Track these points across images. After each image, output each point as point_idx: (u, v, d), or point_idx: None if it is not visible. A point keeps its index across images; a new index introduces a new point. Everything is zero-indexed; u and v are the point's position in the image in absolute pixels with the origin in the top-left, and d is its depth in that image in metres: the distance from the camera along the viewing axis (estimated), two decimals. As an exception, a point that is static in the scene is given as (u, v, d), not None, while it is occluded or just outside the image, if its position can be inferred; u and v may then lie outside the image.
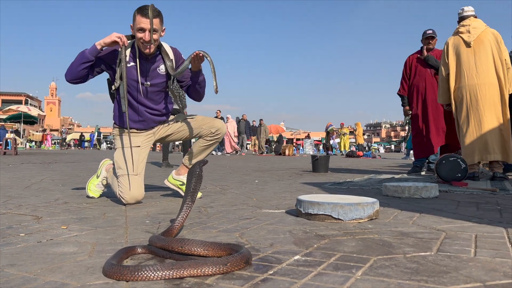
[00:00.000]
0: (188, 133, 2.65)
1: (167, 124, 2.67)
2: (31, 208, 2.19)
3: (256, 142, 18.63)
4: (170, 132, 2.67)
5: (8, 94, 76.80)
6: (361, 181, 3.88)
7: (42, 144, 31.03)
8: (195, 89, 2.55)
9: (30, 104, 78.23)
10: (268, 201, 2.48)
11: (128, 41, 2.40)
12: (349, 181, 3.88)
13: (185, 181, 2.67)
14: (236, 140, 16.53)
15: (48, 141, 29.52)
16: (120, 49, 2.33)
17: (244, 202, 2.44)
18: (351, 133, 21.09)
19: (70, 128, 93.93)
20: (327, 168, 5.79)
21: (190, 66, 2.44)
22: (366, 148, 18.82)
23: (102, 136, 38.30)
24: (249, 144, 18.81)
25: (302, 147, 32.51)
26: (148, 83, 2.48)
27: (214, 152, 15.03)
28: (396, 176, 4.49)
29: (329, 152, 19.11)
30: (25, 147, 26.43)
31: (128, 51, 2.39)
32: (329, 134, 19.41)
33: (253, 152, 18.38)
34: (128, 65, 2.40)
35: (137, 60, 2.42)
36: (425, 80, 5.01)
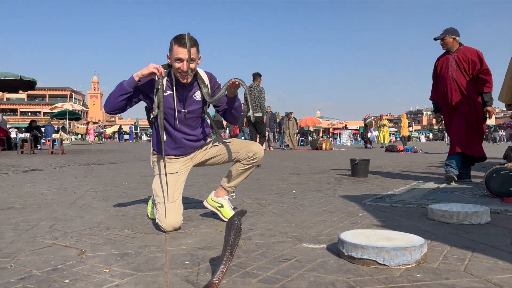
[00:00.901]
0: (226, 157, 2.64)
1: (204, 148, 2.67)
2: (76, 237, 2.24)
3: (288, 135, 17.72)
4: (208, 157, 2.66)
5: (54, 89, 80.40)
6: (403, 194, 3.73)
7: (86, 137, 32.31)
8: (232, 114, 2.55)
9: (75, 98, 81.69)
10: (307, 229, 2.42)
11: (165, 70, 2.40)
12: (390, 194, 3.74)
13: (224, 204, 2.68)
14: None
15: (91, 134, 30.72)
16: (157, 79, 2.34)
17: (283, 230, 2.39)
18: (393, 122, 20.59)
19: (111, 121, 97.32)
20: (367, 172, 5.63)
21: (226, 93, 2.43)
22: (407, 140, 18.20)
23: (139, 130, 39.40)
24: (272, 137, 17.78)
25: (339, 137, 32.08)
26: (185, 110, 2.48)
27: None
28: (441, 186, 4.29)
29: (368, 145, 18.69)
30: (71, 140, 27.52)
31: (164, 80, 2.40)
32: (367, 126, 18.95)
33: (285, 147, 17.85)
34: (165, 93, 2.42)
35: (174, 88, 2.42)
36: (446, 85, 4.67)
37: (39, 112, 74.52)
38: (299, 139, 24.18)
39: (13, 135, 33.09)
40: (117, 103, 2.34)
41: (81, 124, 47.45)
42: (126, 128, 47.04)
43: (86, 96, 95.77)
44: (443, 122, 4.95)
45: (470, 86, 4.52)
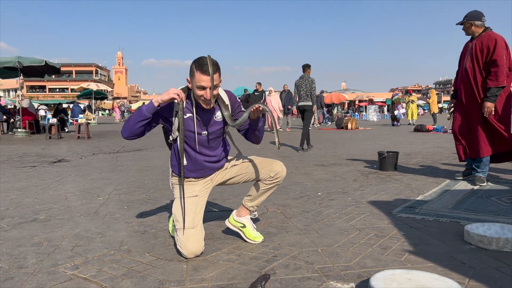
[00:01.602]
0: (247, 177, 2.54)
1: (224, 168, 2.57)
2: (97, 266, 2.20)
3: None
4: (228, 177, 2.56)
5: (80, 65, 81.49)
6: (435, 200, 3.55)
7: (113, 112, 32.45)
8: (254, 135, 2.43)
9: (100, 73, 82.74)
10: (335, 257, 2.30)
11: (185, 93, 2.29)
12: (421, 201, 3.56)
13: (246, 224, 2.58)
14: (281, 115, 15.36)
15: (117, 113, 31.01)
16: (177, 103, 2.23)
17: (308, 258, 2.28)
18: (421, 93, 19.95)
19: (137, 96, 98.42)
20: (395, 166, 5.43)
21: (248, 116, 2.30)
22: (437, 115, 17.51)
23: None
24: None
25: (366, 111, 31.43)
26: (206, 132, 2.37)
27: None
28: (475, 188, 4.06)
29: (395, 122, 18.21)
30: (98, 118, 27.84)
31: (184, 102, 2.28)
32: (394, 103, 18.40)
33: (316, 125, 17.55)
34: (185, 116, 2.30)
35: (194, 110, 2.31)
36: (461, 78, 4.32)
37: (67, 89, 75.96)
38: (324, 114, 23.76)
39: (42, 113, 34.05)
40: (136, 129, 2.26)
41: (108, 99, 48.22)
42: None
43: (112, 72, 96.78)
44: (452, 111, 4.59)
45: (482, 80, 4.10)
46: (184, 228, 2.30)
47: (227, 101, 2.39)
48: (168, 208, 3.53)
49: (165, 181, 4.78)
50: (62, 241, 2.66)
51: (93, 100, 23.82)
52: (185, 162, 2.37)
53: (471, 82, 4.15)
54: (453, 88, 4.64)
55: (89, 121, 20.79)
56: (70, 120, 19.38)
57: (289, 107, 15.26)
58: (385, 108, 57.75)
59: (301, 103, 8.23)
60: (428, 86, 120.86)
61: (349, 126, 15.02)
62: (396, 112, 18.32)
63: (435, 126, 13.17)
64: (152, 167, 6.05)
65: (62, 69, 14.75)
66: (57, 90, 77.08)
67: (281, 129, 15.15)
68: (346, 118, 15.85)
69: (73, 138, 12.02)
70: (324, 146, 9.15)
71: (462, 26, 4.27)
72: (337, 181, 4.70)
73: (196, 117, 2.33)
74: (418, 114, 20.32)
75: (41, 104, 50.95)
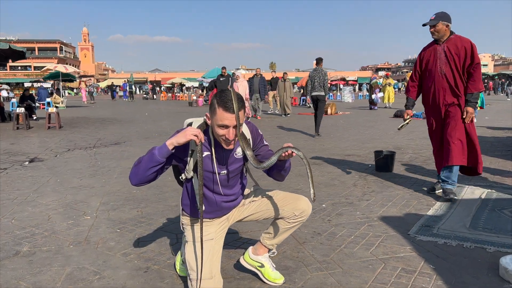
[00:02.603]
0: (267, 214, 2.27)
1: (242, 204, 2.28)
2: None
3: (277, 99, 15.46)
4: (246, 214, 2.29)
5: (43, 41, 77.68)
6: (449, 217, 3.39)
7: (80, 92, 30.79)
8: (279, 174, 2.14)
9: (65, 50, 79.25)
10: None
11: (203, 129, 1.98)
12: (434, 217, 3.40)
13: (265, 263, 2.33)
14: (247, 103, 13.27)
15: (84, 94, 29.39)
16: (195, 145, 1.92)
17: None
18: (391, 71, 20.03)
19: (104, 74, 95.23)
20: (392, 166, 5.28)
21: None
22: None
23: (133, 89, 38.18)
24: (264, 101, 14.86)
25: (340, 93, 31.49)
26: (225, 171, 2.07)
27: None
28: (483, 197, 3.94)
29: (372, 106, 18.22)
30: (66, 98, 26.48)
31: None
32: (372, 87, 18.37)
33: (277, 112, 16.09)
34: (203, 155, 1.99)
35: (213, 148, 2.00)
36: (433, 82, 3.90)
37: (29, 66, 72.41)
38: (300, 98, 23.59)
39: (4, 93, 32.20)
40: (147, 176, 1.95)
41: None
42: (119, 82, 45.82)
43: (77, 49, 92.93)
44: (409, 121, 4.24)
45: (463, 84, 3.81)
46: (200, 279, 2.02)
47: (248, 135, 2.09)
48: (166, 231, 3.23)
49: (154, 190, 4.44)
50: (54, 286, 2.33)
51: (61, 83, 22.62)
52: (203, 207, 2.08)
53: (453, 87, 3.81)
54: (408, 95, 4.22)
55: (57, 105, 19.85)
56: (37, 104, 18.37)
57: (266, 96, 14.16)
58: (357, 87, 58.28)
59: (314, 93, 9.01)
60: (397, 64, 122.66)
61: (329, 111, 14.87)
62: (373, 96, 18.32)
63: (415, 112, 13.17)
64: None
65: (23, 45, 13.73)
66: (19, 68, 73.35)
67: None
68: (327, 102, 15.65)
69: (43, 128, 11.33)
70: (309, 137, 8.95)
71: (432, 27, 3.82)
72: (337, 187, 4.50)
73: (216, 157, 2.03)
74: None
75: (2, 83, 48.38)
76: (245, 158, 2.14)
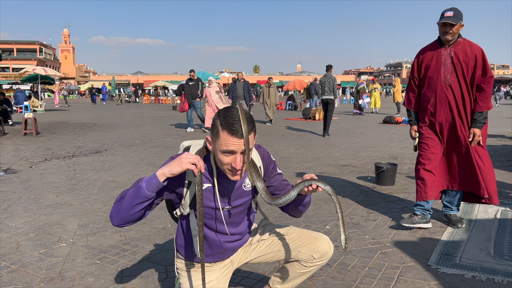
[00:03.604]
0: (278, 256, 1.89)
1: (248, 243, 1.90)
2: None
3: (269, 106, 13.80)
4: (253, 256, 1.90)
5: (22, 43, 75.77)
6: (468, 242, 3.08)
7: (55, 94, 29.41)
8: (296, 209, 1.76)
9: (45, 52, 77.39)
10: None
11: (202, 156, 1.58)
12: (451, 242, 3.08)
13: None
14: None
15: (56, 97, 27.98)
16: (193, 176, 1.52)
17: None
18: (373, 75, 20.00)
19: (86, 76, 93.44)
20: (394, 179, 4.97)
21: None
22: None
23: (117, 91, 37.22)
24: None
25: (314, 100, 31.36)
26: (230, 206, 1.68)
27: (186, 130, 11.58)
28: (498, 217, 3.65)
29: (359, 112, 18.05)
30: (45, 101, 25.49)
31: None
32: (359, 92, 18.21)
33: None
34: (202, 187, 1.60)
35: (215, 179, 1.61)
36: (435, 93, 3.29)
37: (7, 68, 70.48)
38: (286, 102, 23.31)
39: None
40: (132, 215, 1.54)
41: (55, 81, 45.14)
42: (98, 85, 44.68)
43: (57, 50, 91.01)
44: (418, 138, 3.50)
45: (470, 99, 3.24)
46: None
47: (259, 163, 1.71)
48: (153, 262, 2.82)
49: (139, 209, 4.01)
50: None
51: (39, 85, 21.79)
52: (198, 253, 1.69)
53: (458, 102, 3.24)
54: (410, 107, 3.55)
55: (35, 109, 19.09)
56: (14, 108, 17.59)
57: (251, 103, 13.07)
58: (340, 91, 58.46)
59: (324, 97, 10.18)
60: (379, 68, 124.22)
61: (317, 116, 14.60)
62: (360, 102, 18.16)
63: (404, 118, 13.02)
64: (118, 182, 5.22)
65: (1, 46, 13.04)
66: (-3, 69, 71.38)
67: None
68: (314, 108, 15.40)
69: (19, 134, 10.71)
70: (300, 145, 8.62)
71: (450, 26, 3.17)
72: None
73: (218, 189, 1.64)
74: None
75: (-21, 85, 46.75)
76: (255, 190, 1.77)
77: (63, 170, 6.08)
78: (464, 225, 3.37)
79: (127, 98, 36.91)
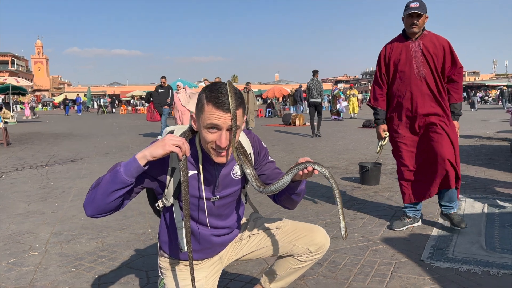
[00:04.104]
0: (271, 251, 1.75)
1: (238, 239, 1.76)
2: None
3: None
4: (244, 252, 1.76)
5: (-7, 54, 73.59)
6: (456, 234, 3.02)
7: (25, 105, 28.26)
8: (289, 199, 1.62)
9: (17, 64, 75.47)
10: None
11: (187, 138, 1.45)
12: (442, 237, 3.01)
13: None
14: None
15: (27, 109, 26.99)
16: (178, 160, 1.38)
17: None
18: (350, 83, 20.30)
19: (60, 88, 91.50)
20: (378, 179, 4.92)
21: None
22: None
23: (102, 102, 36.30)
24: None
25: (303, 105, 31.56)
26: (217, 196, 1.54)
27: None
28: (486, 210, 3.62)
29: (337, 117, 18.16)
30: (17, 113, 24.62)
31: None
32: (335, 97, 18.33)
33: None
34: (188, 173, 1.46)
35: (200, 165, 1.47)
36: (410, 86, 3.12)
37: (-22, 81, 68.38)
38: (266, 110, 23.29)
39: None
40: (109, 204, 1.38)
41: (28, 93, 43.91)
42: (73, 97, 43.62)
43: (30, 62, 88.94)
44: (388, 137, 3.33)
45: (444, 90, 3.13)
46: None
47: (249, 149, 1.58)
48: (133, 267, 2.65)
49: (116, 216, 3.82)
50: None
51: (11, 96, 21.08)
52: (185, 248, 1.54)
53: (435, 93, 3.10)
54: (376, 105, 3.31)
55: (7, 120, 18.47)
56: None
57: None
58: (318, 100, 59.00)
59: (312, 100, 10.78)
60: (355, 76, 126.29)
61: (297, 122, 14.59)
62: (338, 106, 18.28)
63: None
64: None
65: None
66: (-34, 82, 69.12)
67: None
68: (294, 114, 15.40)
69: (-11, 144, 10.27)
70: (282, 149, 8.53)
71: (417, 17, 3.06)
72: (324, 204, 4.06)
73: (204, 176, 1.50)
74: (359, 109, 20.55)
75: None
76: (245, 179, 1.63)
77: (35, 179, 5.79)
78: (466, 226, 3.06)
79: (102, 109, 36.20)
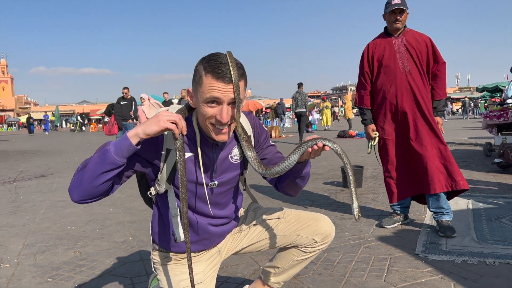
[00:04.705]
0: (273, 243, 1.65)
1: (238, 230, 1.65)
2: None
3: None
4: (245, 244, 1.65)
5: (-47, 74, 70.82)
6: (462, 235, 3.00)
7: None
8: (294, 184, 1.51)
9: (-21, 84, 72.82)
10: None
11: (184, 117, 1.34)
12: (430, 232, 2.98)
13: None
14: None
15: None
16: (174, 139, 1.26)
17: None
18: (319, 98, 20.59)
19: (26, 108, 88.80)
20: (361, 182, 4.90)
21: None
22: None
23: (78, 120, 35.05)
24: None
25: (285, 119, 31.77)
26: (215, 182, 1.43)
27: None
28: (470, 207, 3.63)
29: (309, 129, 18.31)
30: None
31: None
32: (308, 110, 18.51)
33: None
34: (185, 155, 1.34)
35: (198, 147, 1.36)
36: (395, 81, 3.09)
37: None
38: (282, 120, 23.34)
39: None
40: (97, 187, 1.24)
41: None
42: (39, 116, 42.24)
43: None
44: (378, 138, 3.22)
45: (428, 86, 3.14)
46: None
47: (249, 131, 1.49)
48: (116, 275, 2.47)
49: (94, 225, 3.62)
50: None
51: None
52: (181, 237, 1.41)
53: (421, 89, 3.07)
54: (362, 105, 3.28)
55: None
56: None
57: None
58: (291, 113, 59.81)
59: (298, 110, 11.67)
60: (326, 92, 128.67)
61: (273, 134, 14.59)
62: (310, 118, 18.44)
63: (358, 132, 13.30)
64: (68, 202, 4.74)
65: None
66: None
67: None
68: (269, 126, 15.41)
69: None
70: (260, 159, 8.44)
71: (400, 14, 3.06)
72: (308, 209, 3.98)
73: (202, 159, 1.39)
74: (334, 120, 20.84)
75: None
76: (243, 164, 1.53)
77: (3, 194, 5.47)
78: (456, 234, 2.86)
79: (73, 127, 35.22)
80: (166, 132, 1.32)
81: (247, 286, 1.84)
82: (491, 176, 5.15)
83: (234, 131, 1.41)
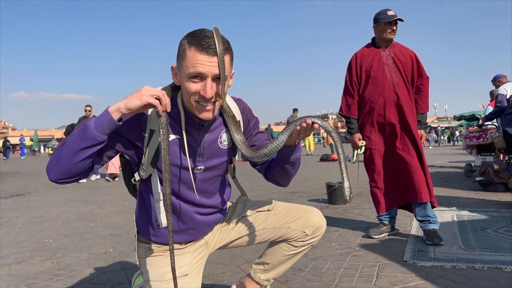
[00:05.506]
0: (264, 236, 1.61)
1: (226, 222, 1.60)
2: None
3: None
4: (233, 237, 1.60)
5: None
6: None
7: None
8: (283, 170, 1.48)
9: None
10: None
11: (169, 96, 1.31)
12: (418, 241, 2.97)
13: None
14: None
15: None
16: (157, 116, 1.22)
17: None
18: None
19: (3, 132, 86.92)
20: (345, 199, 4.88)
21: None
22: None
23: (40, 147, 34.02)
24: None
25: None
26: (202, 166, 1.39)
27: (91, 178, 9.33)
28: (455, 219, 3.64)
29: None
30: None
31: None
32: (294, 134, 18.63)
33: None
34: (169, 137, 1.30)
35: (183, 129, 1.32)
36: (383, 94, 3.11)
37: None
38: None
39: None
40: (76, 165, 1.19)
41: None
42: (16, 140, 41.20)
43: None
44: (364, 147, 3.21)
45: (413, 99, 3.19)
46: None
47: (238, 116, 1.46)
48: (96, 283, 2.36)
49: (73, 238, 3.49)
50: None
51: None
52: (164, 222, 1.36)
53: (407, 101, 3.10)
54: (349, 114, 3.27)
55: None
56: None
57: None
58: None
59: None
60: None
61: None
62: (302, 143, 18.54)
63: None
64: (46, 217, 4.58)
65: None
66: None
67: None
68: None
69: None
70: (245, 179, 8.39)
71: (396, 25, 3.11)
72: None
73: (188, 142, 1.35)
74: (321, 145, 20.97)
75: None
76: (233, 150, 1.50)
77: (-23, 211, 5.24)
78: (443, 243, 2.84)
79: (51, 152, 34.47)
80: (149, 112, 1.28)
81: (234, 285, 1.77)
82: (473, 193, 5.21)
83: (222, 116, 1.39)
